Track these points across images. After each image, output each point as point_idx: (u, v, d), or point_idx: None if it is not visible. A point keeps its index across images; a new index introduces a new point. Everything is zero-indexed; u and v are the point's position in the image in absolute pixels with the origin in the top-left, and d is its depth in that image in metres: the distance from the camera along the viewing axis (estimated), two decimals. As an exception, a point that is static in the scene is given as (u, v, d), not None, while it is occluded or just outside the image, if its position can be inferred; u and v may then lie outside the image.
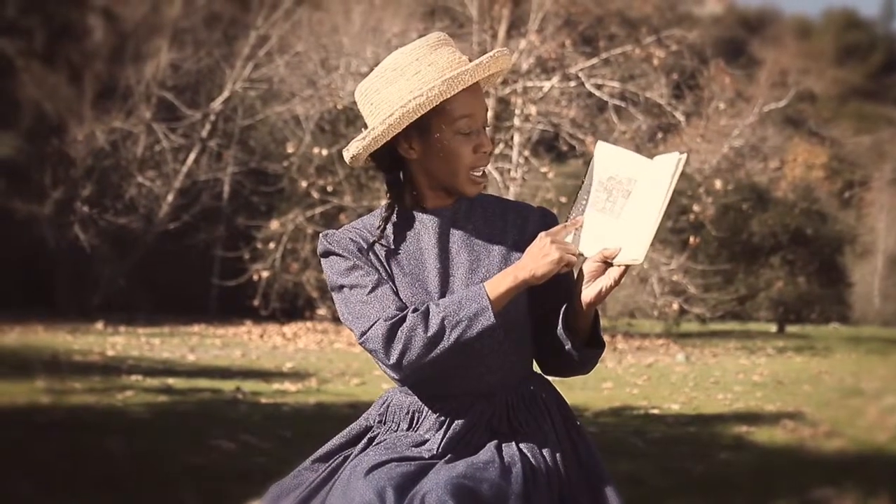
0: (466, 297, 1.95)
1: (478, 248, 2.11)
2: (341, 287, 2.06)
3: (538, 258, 1.96)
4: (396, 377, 2.00)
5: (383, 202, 2.25)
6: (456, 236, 2.12)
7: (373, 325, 1.97)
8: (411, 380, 2.01)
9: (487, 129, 2.12)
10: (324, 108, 18.45)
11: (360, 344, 1.99)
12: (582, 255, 2.02)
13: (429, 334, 1.92)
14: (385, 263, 2.09)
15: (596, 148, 2.09)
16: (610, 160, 2.06)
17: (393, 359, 1.94)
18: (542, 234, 1.99)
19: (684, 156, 1.99)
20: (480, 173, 2.09)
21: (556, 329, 2.08)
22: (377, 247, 2.10)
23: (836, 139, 33.34)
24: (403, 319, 1.95)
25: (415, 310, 1.97)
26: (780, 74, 23.16)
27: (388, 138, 2.06)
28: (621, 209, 2.02)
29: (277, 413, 7.35)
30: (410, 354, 1.93)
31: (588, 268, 2.01)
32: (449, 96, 2.01)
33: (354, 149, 2.09)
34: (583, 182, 2.08)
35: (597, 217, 2.03)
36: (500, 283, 1.97)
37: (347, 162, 2.13)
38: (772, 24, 43.05)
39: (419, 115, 2.02)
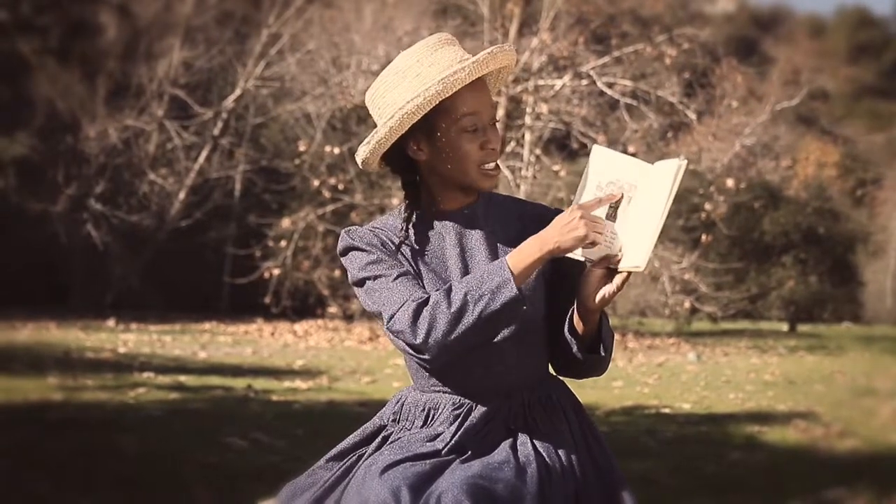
0: (488, 272, 1.95)
1: (497, 250, 2.11)
2: (364, 280, 2.05)
3: (564, 231, 1.94)
4: (425, 358, 1.96)
5: (395, 201, 2.26)
6: (476, 237, 2.12)
7: (401, 306, 1.96)
8: (439, 361, 1.97)
9: (498, 124, 2.12)
10: (335, 106, 18.46)
11: (388, 329, 1.98)
12: (608, 244, 2.01)
13: (452, 310, 1.91)
14: (407, 261, 2.09)
15: (593, 152, 2.07)
16: (609, 165, 2.05)
17: (419, 338, 1.92)
18: (575, 205, 1.99)
19: (684, 162, 1.98)
20: (492, 167, 2.08)
21: (562, 331, 2.08)
22: (401, 247, 2.10)
23: (848, 137, 33.22)
24: (428, 300, 1.95)
25: (437, 290, 1.97)
26: (792, 73, 23.08)
27: (393, 141, 2.07)
28: (622, 214, 2.01)
29: (289, 411, 7.35)
30: (436, 333, 1.91)
31: (592, 273, 2.00)
32: (447, 95, 2.01)
33: (363, 153, 2.10)
34: (581, 185, 2.07)
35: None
36: (523, 255, 1.96)
37: (360, 166, 2.15)
38: (784, 22, 42.98)
39: (419, 116, 2.02)
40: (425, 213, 2.14)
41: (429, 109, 2.02)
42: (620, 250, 1.99)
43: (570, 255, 2.00)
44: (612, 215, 2.02)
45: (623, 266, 1.99)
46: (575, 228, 1.94)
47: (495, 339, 2.03)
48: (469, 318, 1.91)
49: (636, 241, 1.97)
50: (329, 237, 17.88)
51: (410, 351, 1.97)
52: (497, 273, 1.94)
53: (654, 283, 18.53)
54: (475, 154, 2.07)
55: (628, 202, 2.01)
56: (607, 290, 1.99)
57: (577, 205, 1.99)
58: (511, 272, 1.93)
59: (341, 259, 2.12)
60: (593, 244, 1.97)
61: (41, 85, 19.55)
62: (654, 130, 17.62)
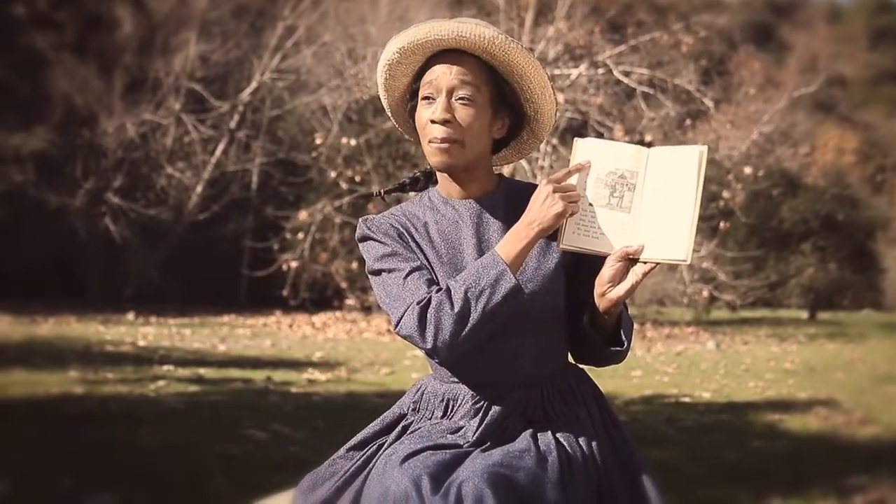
0: (483, 266, 1.93)
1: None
2: (379, 272, 2.05)
3: (543, 210, 1.94)
4: (437, 359, 1.98)
5: (411, 193, 2.24)
6: (494, 225, 2.10)
7: (406, 310, 1.95)
8: (451, 358, 1.97)
9: (459, 101, 2.01)
10: (351, 98, 18.45)
11: (396, 332, 1.98)
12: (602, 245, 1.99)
13: (456, 310, 1.90)
14: (423, 251, 2.07)
15: (578, 145, 2.02)
16: (601, 155, 2.00)
17: (429, 342, 1.92)
18: (545, 180, 1.97)
19: (704, 148, 1.95)
20: (438, 143, 2.02)
21: (582, 321, 2.06)
22: (416, 234, 2.09)
23: (867, 124, 33.04)
24: (431, 301, 1.93)
25: (438, 290, 1.95)
26: (810, 59, 23.01)
27: (387, 107, 2.16)
28: (630, 203, 1.97)
29: (308, 402, 7.36)
30: (443, 335, 1.90)
31: (609, 266, 1.97)
32: (392, 58, 2.04)
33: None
34: (578, 183, 2.00)
35: (605, 214, 1.98)
36: (511, 243, 1.95)
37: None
38: (801, 9, 42.67)
39: (383, 77, 2.08)
40: (444, 199, 2.13)
41: (384, 68, 2.07)
42: (642, 241, 1.96)
43: (592, 251, 1.98)
44: (617, 206, 1.99)
45: (651, 257, 1.96)
46: (552, 206, 1.93)
47: (514, 332, 2.02)
48: (474, 316, 1.90)
49: (668, 232, 1.93)
50: (346, 229, 17.89)
51: (421, 351, 1.97)
52: (492, 266, 1.93)
53: (672, 272, 18.49)
54: (423, 125, 2.04)
55: (633, 190, 1.98)
56: (631, 282, 1.96)
57: (548, 178, 1.97)
58: (505, 262, 1.92)
59: (359, 246, 2.11)
60: (573, 214, 1.96)
61: (58, 80, 19.63)
62: (672, 119, 17.56)
